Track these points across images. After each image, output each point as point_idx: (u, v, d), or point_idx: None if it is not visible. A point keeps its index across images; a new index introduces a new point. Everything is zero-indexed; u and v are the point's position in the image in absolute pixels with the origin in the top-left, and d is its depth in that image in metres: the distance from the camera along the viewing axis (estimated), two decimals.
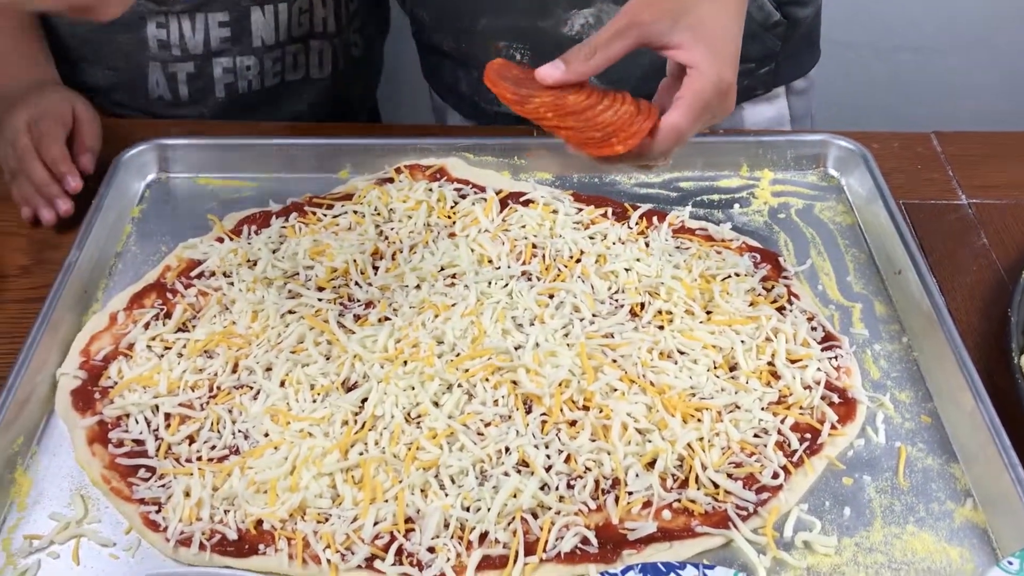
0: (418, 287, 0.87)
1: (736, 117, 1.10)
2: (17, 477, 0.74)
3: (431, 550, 0.68)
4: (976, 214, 1.01)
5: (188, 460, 0.74)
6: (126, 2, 0.64)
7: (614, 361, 0.80)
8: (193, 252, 0.93)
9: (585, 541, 0.69)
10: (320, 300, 0.86)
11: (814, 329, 0.85)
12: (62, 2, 0.62)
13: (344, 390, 0.79)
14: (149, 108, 1.18)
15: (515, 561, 0.68)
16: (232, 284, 0.88)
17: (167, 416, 0.77)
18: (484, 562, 0.68)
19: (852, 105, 1.40)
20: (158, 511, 0.71)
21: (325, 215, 0.96)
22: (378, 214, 0.96)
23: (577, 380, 0.78)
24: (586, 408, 0.77)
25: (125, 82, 1.16)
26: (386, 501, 0.71)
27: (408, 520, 0.70)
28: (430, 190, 0.98)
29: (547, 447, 0.74)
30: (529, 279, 0.88)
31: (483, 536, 0.69)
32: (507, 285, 0.87)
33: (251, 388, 0.79)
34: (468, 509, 0.70)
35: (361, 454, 0.74)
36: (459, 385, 0.78)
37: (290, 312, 0.85)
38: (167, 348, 0.83)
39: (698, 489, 0.72)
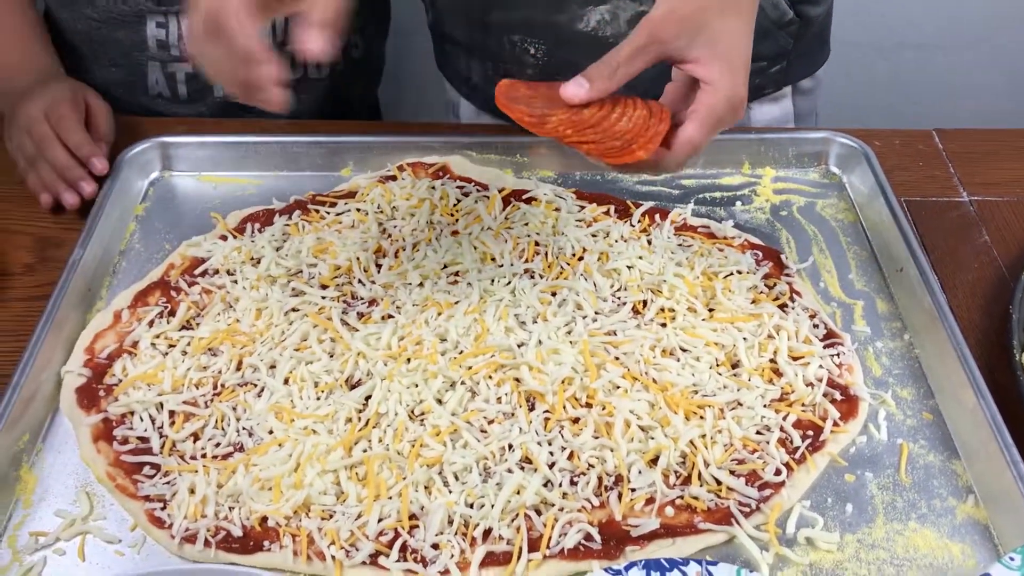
0: (421, 285, 0.87)
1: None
2: (23, 474, 0.75)
3: (435, 546, 0.69)
4: (977, 211, 1.01)
5: (193, 457, 0.75)
6: None
7: (617, 358, 0.80)
8: (197, 250, 0.93)
9: (588, 537, 0.69)
10: (324, 298, 0.86)
11: (816, 326, 0.85)
12: None
13: (348, 387, 0.79)
14: (149, 105, 1.18)
15: (519, 557, 0.68)
16: (236, 282, 0.89)
17: (171, 413, 0.78)
18: (488, 558, 0.68)
19: (854, 103, 1.40)
20: (163, 508, 0.71)
21: (328, 213, 0.96)
22: (381, 212, 0.96)
23: (580, 377, 0.78)
24: (589, 405, 0.77)
25: (125, 80, 1.16)
26: (390, 498, 0.71)
27: (412, 517, 0.70)
28: (433, 188, 0.98)
29: (550, 444, 0.74)
30: (532, 277, 0.88)
31: (487, 532, 0.69)
32: (510, 283, 0.87)
33: (255, 385, 0.80)
34: (472, 506, 0.71)
35: (365, 451, 0.74)
36: (462, 382, 0.78)
37: (294, 310, 0.85)
38: (171, 346, 0.83)
39: (701, 486, 0.72)
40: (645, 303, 0.86)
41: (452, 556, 0.68)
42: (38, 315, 0.83)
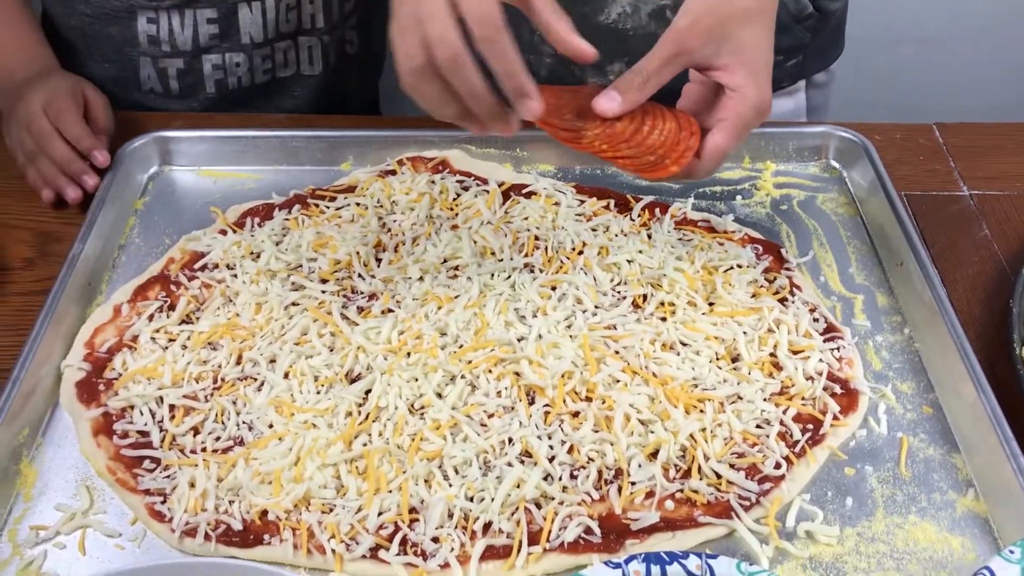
0: (421, 279, 0.87)
1: None
2: (23, 468, 0.75)
3: (435, 540, 0.69)
4: (978, 205, 1.01)
5: (193, 451, 0.75)
6: None
7: (617, 352, 0.80)
8: (196, 244, 0.93)
9: (588, 531, 0.69)
10: (323, 292, 0.86)
11: (816, 320, 0.85)
12: None
13: (348, 381, 0.79)
14: (142, 100, 1.18)
15: (519, 551, 0.68)
16: (236, 276, 0.88)
17: (171, 407, 0.77)
18: (488, 552, 0.68)
19: (854, 97, 1.40)
20: (163, 502, 0.71)
21: (328, 207, 0.96)
22: (381, 206, 0.96)
23: (580, 371, 0.78)
24: (589, 399, 0.77)
25: (118, 75, 1.16)
26: (390, 491, 0.71)
27: (412, 510, 0.70)
28: (432, 182, 0.98)
29: (550, 438, 0.74)
30: (532, 271, 0.88)
31: (487, 526, 0.69)
32: (510, 277, 0.87)
33: (255, 380, 0.79)
34: (472, 499, 0.71)
35: (365, 445, 0.74)
36: (462, 376, 0.78)
37: (294, 304, 0.85)
38: (171, 340, 0.83)
39: (701, 479, 0.72)
40: (645, 297, 0.86)
41: (452, 549, 0.68)
42: (38, 309, 0.83)
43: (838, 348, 0.82)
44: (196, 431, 0.76)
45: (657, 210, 0.96)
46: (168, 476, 0.73)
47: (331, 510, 0.70)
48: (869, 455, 0.76)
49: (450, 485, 0.71)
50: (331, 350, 0.81)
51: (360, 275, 0.88)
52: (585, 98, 0.75)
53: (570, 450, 0.74)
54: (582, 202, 0.96)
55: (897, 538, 0.70)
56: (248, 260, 0.90)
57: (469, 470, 0.72)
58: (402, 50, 0.68)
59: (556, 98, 0.75)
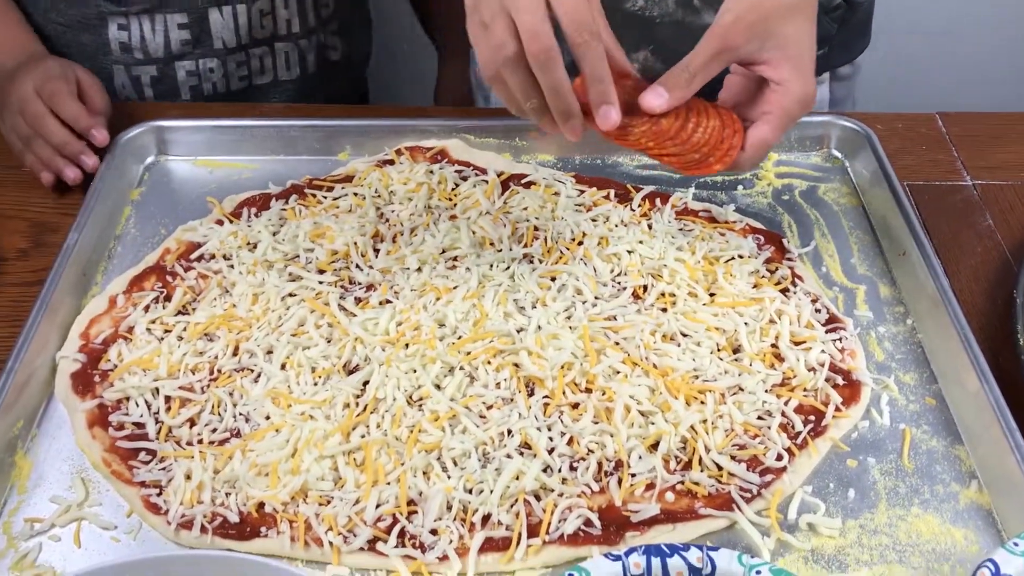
0: (419, 270, 0.86)
1: None
2: (17, 460, 0.74)
3: (434, 532, 0.68)
4: (981, 195, 1.00)
5: (189, 443, 0.74)
6: None
7: (617, 344, 0.80)
8: (193, 235, 0.92)
9: (588, 523, 0.69)
10: (321, 283, 0.85)
11: (818, 311, 0.84)
12: None
13: (345, 373, 0.78)
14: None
15: (518, 543, 0.67)
16: (232, 267, 0.88)
17: (167, 399, 0.77)
18: (487, 544, 0.68)
19: (858, 87, 1.40)
20: (159, 494, 0.71)
21: (325, 197, 0.95)
22: (379, 196, 0.95)
23: (579, 363, 0.77)
24: (589, 391, 0.76)
25: None
26: (388, 484, 0.70)
27: (410, 502, 0.70)
28: (431, 172, 0.97)
29: (550, 429, 0.74)
30: (531, 261, 0.87)
31: (486, 518, 0.69)
32: (509, 268, 0.86)
33: (252, 371, 0.79)
34: (471, 491, 0.70)
35: (363, 437, 0.73)
36: (461, 368, 0.78)
37: (291, 295, 0.85)
38: (167, 331, 0.82)
39: (701, 471, 0.72)
40: (645, 288, 0.85)
41: (451, 542, 0.67)
42: (33, 300, 0.82)
43: (840, 339, 0.82)
44: (192, 423, 0.76)
45: (657, 200, 0.95)
46: (164, 468, 0.72)
47: (328, 502, 0.70)
48: (871, 447, 0.75)
49: (449, 477, 0.71)
50: (328, 341, 0.81)
51: (358, 266, 0.87)
52: (629, 91, 0.75)
53: (570, 442, 0.73)
54: (582, 192, 0.96)
55: (900, 530, 0.70)
56: (245, 250, 0.89)
57: (468, 462, 0.72)
58: (490, 41, 0.68)
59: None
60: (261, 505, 0.70)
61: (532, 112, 0.71)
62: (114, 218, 0.95)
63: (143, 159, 1.02)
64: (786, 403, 0.76)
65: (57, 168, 0.96)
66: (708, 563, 0.62)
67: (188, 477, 0.71)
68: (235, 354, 0.80)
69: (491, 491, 0.70)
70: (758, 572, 0.61)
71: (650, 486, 0.71)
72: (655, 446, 0.73)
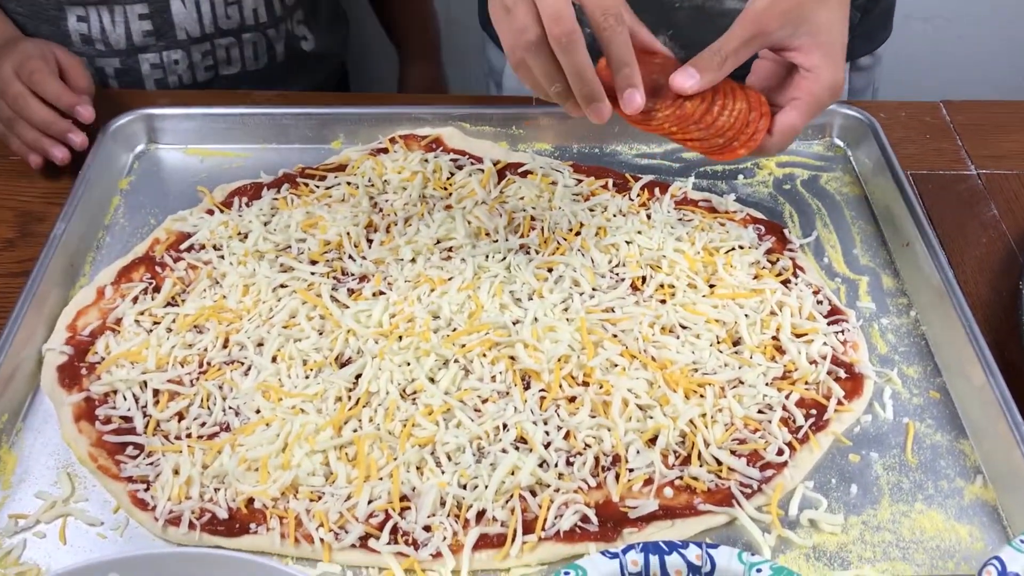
0: (413, 260, 0.85)
1: None
2: (2, 455, 0.73)
3: (427, 528, 0.67)
4: (986, 184, 0.99)
5: (177, 437, 0.73)
6: None
7: (614, 336, 0.78)
8: (183, 225, 0.91)
9: (585, 519, 0.68)
10: (313, 274, 0.84)
11: (820, 303, 0.83)
12: None
13: (338, 366, 0.77)
14: None
15: (513, 539, 0.66)
16: (223, 257, 0.86)
17: (156, 392, 0.76)
18: (481, 540, 0.67)
19: (879, 78, 1.39)
20: (146, 489, 0.70)
21: (318, 186, 0.94)
22: (372, 185, 0.94)
23: (577, 355, 0.76)
24: (586, 384, 0.75)
25: None
26: (380, 479, 0.69)
27: (403, 498, 0.68)
28: (425, 161, 0.96)
29: (546, 423, 0.73)
30: (527, 252, 0.86)
31: (480, 514, 0.68)
32: (505, 258, 0.85)
33: (242, 364, 0.78)
34: (465, 487, 0.69)
35: (355, 431, 0.72)
36: (456, 361, 0.77)
37: (282, 286, 0.83)
38: (156, 323, 0.81)
39: (701, 466, 0.71)
40: (644, 279, 0.84)
41: (444, 538, 0.66)
42: (18, 291, 0.81)
43: (842, 331, 0.80)
44: (181, 416, 0.75)
45: (657, 190, 0.94)
46: (152, 463, 0.71)
47: (319, 498, 0.69)
48: (874, 441, 0.74)
49: (443, 472, 0.70)
50: (320, 333, 0.80)
51: (351, 256, 0.86)
52: (655, 72, 0.74)
53: (566, 436, 0.72)
54: (579, 181, 0.95)
55: (903, 527, 0.69)
56: (235, 241, 0.88)
57: (462, 457, 0.70)
58: (512, 25, 0.68)
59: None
60: (251, 501, 0.69)
61: (556, 96, 0.71)
62: (103, 207, 0.94)
63: (132, 147, 1.01)
64: (787, 397, 0.75)
65: (43, 149, 0.95)
66: (707, 561, 0.61)
67: (176, 472, 0.70)
68: (225, 346, 0.79)
69: (486, 486, 0.68)
70: (759, 570, 0.60)
71: (648, 481, 0.70)
72: (653, 440, 0.72)
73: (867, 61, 1.13)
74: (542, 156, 0.99)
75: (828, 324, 0.81)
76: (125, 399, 0.75)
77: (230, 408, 0.75)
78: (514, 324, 0.79)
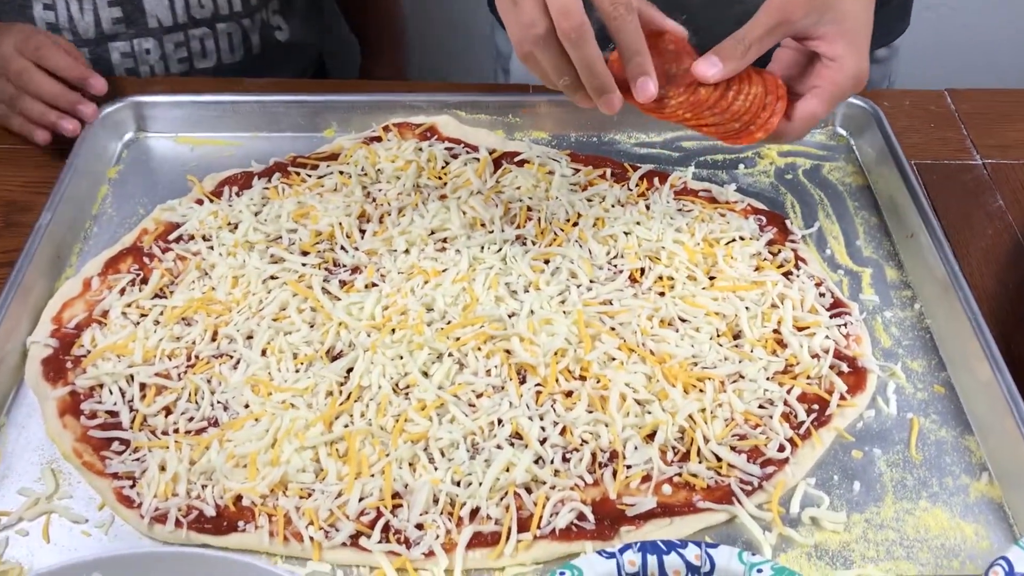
0: (407, 251, 0.84)
1: None
2: None
3: (419, 527, 0.66)
4: (991, 174, 0.98)
5: (164, 432, 0.72)
6: None
7: (612, 329, 0.77)
8: (171, 214, 0.89)
9: (581, 517, 0.67)
10: (304, 265, 0.83)
11: (822, 295, 0.82)
12: None
13: (329, 359, 0.76)
14: None
15: (507, 538, 0.65)
16: (212, 248, 0.85)
17: (142, 386, 0.74)
18: (475, 539, 0.66)
19: (896, 71, 1.37)
20: (132, 486, 0.68)
21: (309, 176, 0.93)
22: (365, 175, 0.93)
23: (573, 349, 0.75)
24: (583, 378, 0.74)
25: None
26: (372, 476, 0.68)
27: (395, 496, 0.67)
28: (420, 149, 0.95)
29: (542, 419, 0.72)
30: (523, 243, 0.85)
31: (474, 512, 0.67)
32: (500, 250, 0.84)
33: (231, 357, 0.77)
34: (459, 484, 0.68)
35: (346, 426, 0.71)
36: (450, 354, 0.76)
37: (272, 277, 0.82)
38: (143, 315, 0.80)
39: (700, 463, 0.70)
40: (643, 271, 0.83)
41: (437, 537, 0.65)
42: (3, 283, 0.79)
43: (845, 324, 0.79)
44: (168, 411, 0.73)
45: (656, 179, 0.93)
46: (138, 459, 0.70)
47: (309, 495, 0.68)
48: (878, 437, 0.73)
49: (436, 469, 0.69)
50: (311, 326, 0.78)
51: (343, 247, 0.85)
52: (667, 58, 0.74)
53: (563, 432, 0.71)
54: (577, 171, 0.94)
55: (907, 525, 0.68)
56: (225, 231, 0.87)
57: (456, 453, 0.69)
58: (520, 19, 0.67)
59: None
60: (239, 498, 0.68)
61: (565, 89, 0.71)
62: (90, 197, 0.93)
63: (121, 135, 1.00)
64: (788, 391, 0.74)
65: (51, 122, 0.93)
66: (707, 560, 0.59)
67: (163, 468, 0.69)
68: (214, 339, 0.78)
69: (480, 483, 0.67)
70: (759, 570, 0.58)
71: (646, 478, 0.69)
72: (652, 436, 0.71)
73: (884, 53, 1.12)
74: (539, 145, 0.98)
75: (830, 317, 0.80)
76: (111, 393, 0.74)
77: (218, 403, 0.73)
78: (510, 317, 0.78)
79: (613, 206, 0.89)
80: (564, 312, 0.78)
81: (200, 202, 0.90)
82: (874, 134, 0.96)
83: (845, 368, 0.76)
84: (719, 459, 0.70)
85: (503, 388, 0.73)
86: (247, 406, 0.73)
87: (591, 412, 0.72)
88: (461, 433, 0.70)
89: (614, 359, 0.75)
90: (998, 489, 0.70)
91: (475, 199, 0.89)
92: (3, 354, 0.76)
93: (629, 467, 0.69)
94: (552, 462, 0.69)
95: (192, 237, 0.87)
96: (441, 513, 0.66)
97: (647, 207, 0.89)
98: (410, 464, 0.69)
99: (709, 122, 0.74)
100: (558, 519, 0.66)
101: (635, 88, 0.71)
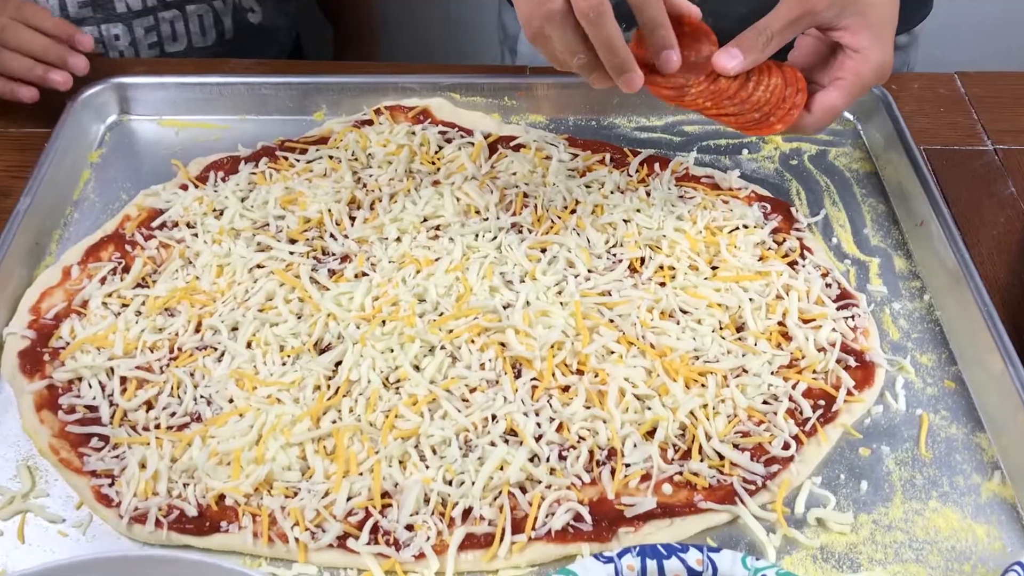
0: (398, 240, 0.83)
1: None
2: None
3: (409, 528, 0.65)
4: (1003, 160, 0.96)
5: (145, 428, 0.70)
6: None
7: (611, 321, 0.76)
8: (155, 200, 0.88)
9: (578, 518, 0.65)
10: (292, 253, 0.82)
11: (828, 286, 0.80)
12: None
13: (316, 352, 0.75)
14: None
15: (501, 539, 0.64)
16: (196, 235, 0.84)
17: (123, 380, 0.73)
18: (467, 541, 0.64)
19: (915, 59, 1.35)
20: (111, 484, 0.67)
21: (298, 160, 0.91)
22: (356, 159, 0.91)
23: (571, 342, 0.74)
24: (580, 372, 0.73)
25: None
26: (360, 474, 0.67)
27: (385, 495, 0.66)
28: (412, 133, 0.93)
29: (537, 415, 0.70)
30: (519, 231, 0.84)
31: (467, 512, 0.65)
32: (495, 238, 0.83)
33: (215, 349, 0.75)
34: (451, 483, 0.66)
35: (334, 422, 0.69)
36: (442, 347, 0.74)
37: (259, 266, 0.81)
38: (124, 305, 0.78)
39: (702, 461, 0.68)
40: (643, 260, 0.82)
41: (428, 538, 0.64)
42: None
43: (852, 316, 0.78)
44: (149, 406, 0.72)
45: (656, 165, 0.92)
46: (117, 456, 0.69)
47: (295, 494, 0.66)
48: (886, 434, 0.72)
49: (427, 467, 0.67)
50: (299, 317, 0.77)
51: (332, 235, 0.84)
52: (687, 46, 0.73)
53: (559, 428, 0.70)
54: (575, 156, 0.92)
55: (916, 526, 0.66)
56: (210, 218, 0.85)
57: (448, 450, 0.68)
58: None
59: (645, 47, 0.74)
60: (222, 497, 0.66)
61: (580, 69, 0.70)
62: (71, 182, 0.91)
63: (104, 118, 0.98)
64: (794, 386, 0.73)
65: (39, 76, 0.91)
66: (708, 565, 0.58)
67: (143, 466, 0.67)
68: (197, 331, 0.77)
69: (473, 482, 0.66)
70: None
71: (646, 477, 0.67)
72: (651, 433, 0.69)
73: (904, 40, 1.11)
74: (536, 129, 0.96)
75: (837, 309, 0.78)
76: (90, 387, 0.73)
77: (201, 397, 0.72)
78: (505, 308, 0.76)
79: (612, 192, 0.87)
80: (561, 303, 0.77)
81: (185, 187, 0.89)
82: (882, 119, 0.95)
83: (852, 362, 0.74)
84: (721, 457, 0.68)
85: (497, 383, 0.72)
86: (231, 401, 0.71)
87: (589, 408, 0.70)
88: (453, 430, 0.68)
89: (613, 352, 0.73)
90: (1011, 489, 0.68)
91: (469, 185, 0.87)
92: None
93: (628, 465, 0.67)
94: (548, 460, 0.67)
95: (176, 224, 0.85)
96: (432, 513, 0.65)
97: (647, 194, 0.87)
98: (400, 462, 0.67)
99: (729, 111, 0.74)
100: (554, 520, 0.64)
101: (659, 61, 0.71)
